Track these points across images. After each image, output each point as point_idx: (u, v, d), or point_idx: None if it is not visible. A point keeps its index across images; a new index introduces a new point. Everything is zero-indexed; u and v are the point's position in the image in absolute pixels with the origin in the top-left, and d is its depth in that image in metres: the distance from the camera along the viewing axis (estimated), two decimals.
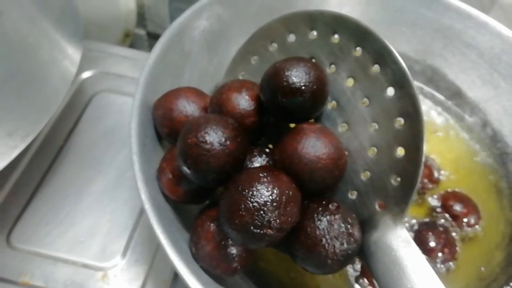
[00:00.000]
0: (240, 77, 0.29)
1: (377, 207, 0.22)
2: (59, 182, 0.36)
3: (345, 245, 0.20)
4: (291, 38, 0.27)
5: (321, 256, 0.20)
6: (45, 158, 0.37)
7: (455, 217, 0.32)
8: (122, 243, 0.33)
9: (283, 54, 0.27)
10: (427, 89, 0.39)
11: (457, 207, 0.32)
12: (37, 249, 0.32)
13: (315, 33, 0.26)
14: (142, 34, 0.61)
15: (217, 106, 0.24)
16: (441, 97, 0.38)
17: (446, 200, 0.32)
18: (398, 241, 0.20)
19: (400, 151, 0.22)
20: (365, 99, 0.24)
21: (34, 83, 0.28)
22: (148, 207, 0.21)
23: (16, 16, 0.24)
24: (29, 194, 0.35)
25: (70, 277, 0.31)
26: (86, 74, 0.44)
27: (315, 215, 0.21)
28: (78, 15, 0.33)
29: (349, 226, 0.21)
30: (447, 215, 0.32)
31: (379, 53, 0.23)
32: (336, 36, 0.25)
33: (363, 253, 0.22)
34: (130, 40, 0.58)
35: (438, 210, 0.32)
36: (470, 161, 0.35)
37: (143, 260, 0.32)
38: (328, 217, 0.21)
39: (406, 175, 0.21)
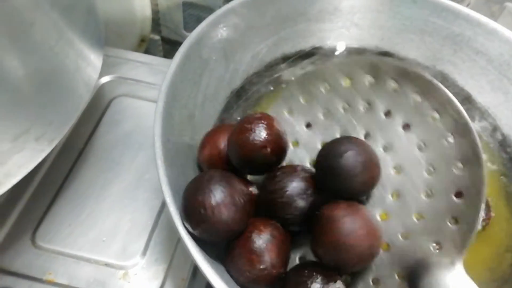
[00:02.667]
0: (286, 113, 0.31)
1: (431, 248, 0.23)
2: (80, 184, 0.38)
3: None
4: (347, 82, 0.29)
5: None
6: (67, 161, 0.39)
7: None
8: (141, 243, 0.34)
9: (336, 96, 0.29)
10: None
11: None
12: (61, 248, 0.34)
13: (372, 79, 0.27)
14: (157, 39, 0.63)
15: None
16: None
17: None
18: (456, 281, 0.21)
19: (459, 195, 0.23)
20: (421, 144, 0.25)
21: (61, 91, 0.29)
22: (173, 209, 0.22)
23: (45, 26, 0.26)
24: (51, 195, 0.36)
25: (92, 275, 0.32)
26: (104, 79, 0.46)
27: None
28: (100, 24, 0.35)
29: None
30: None
31: (441, 102, 0.24)
32: (396, 84, 0.26)
33: None
34: (145, 45, 0.59)
35: None
36: None
37: (162, 259, 0.34)
38: None
39: (465, 218, 0.22)
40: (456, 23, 0.37)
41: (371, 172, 0.25)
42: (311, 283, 0.22)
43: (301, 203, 0.25)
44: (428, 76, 0.26)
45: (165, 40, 0.62)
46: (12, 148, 0.26)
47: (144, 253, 0.34)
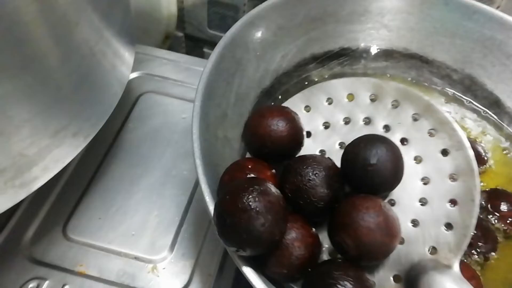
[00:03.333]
0: None
1: (427, 253, 0.24)
2: (109, 179, 0.38)
3: None
4: (349, 98, 0.31)
5: None
6: (96, 156, 0.40)
7: (502, 217, 0.32)
8: (169, 238, 0.35)
9: (338, 111, 0.31)
10: (464, 97, 0.40)
11: (504, 206, 0.32)
12: (91, 241, 0.34)
13: (374, 97, 0.30)
14: (180, 36, 0.63)
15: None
16: (478, 106, 0.39)
17: (492, 198, 0.33)
18: (452, 283, 0.22)
19: (453, 203, 0.25)
20: (418, 157, 0.27)
21: (98, 88, 0.30)
22: (212, 209, 0.22)
23: (87, 27, 0.26)
24: (82, 189, 0.37)
25: (122, 268, 0.33)
26: (132, 76, 0.46)
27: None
28: (133, 23, 0.35)
29: None
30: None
31: (438, 121, 0.27)
32: (395, 103, 0.29)
33: None
34: (169, 42, 0.60)
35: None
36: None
37: (189, 254, 0.34)
38: None
39: (460, 224, 0.24)
40: (488, 26, 0.37)
41: (398, 175, 0.26)
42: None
43: (326, 190, 0.25)
44: (426, 97, 0.28)
45: (188, 37, 0.63)
46: (52, 143, 0.27)
47: (172, 248, 0.34)
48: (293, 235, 0.24)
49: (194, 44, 0.64)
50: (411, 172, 0.27)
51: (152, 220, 0.36)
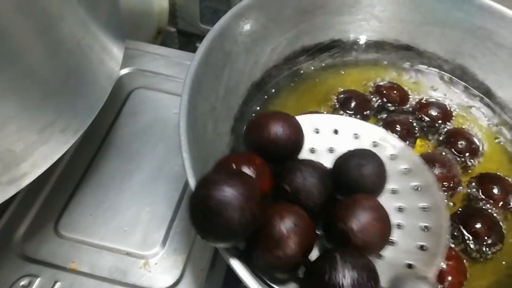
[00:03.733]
0: None
1: (405, 267, 0.26)
2: (101, 175, 0.38)
3: None
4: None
5: None
6: (87, 152, 0.39)
7: (495, 201, 0.32)
8: (161, 233, 0.35)
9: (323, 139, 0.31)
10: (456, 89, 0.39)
11: (496, 190, 0.32)
12: (83, 237, 0.34)
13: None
14: (173, 31, 0.63)
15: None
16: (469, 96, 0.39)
17: (483, 183, 0.33)
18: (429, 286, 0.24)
19: (425, 227, 0.27)
20: (395, 190, 0.29)
21: (86, 83, 0.30)
22: None
23: (72, 21, 0.26)
24: (73, 186, 0.37)
25: (114, 264, 0.33)
26: (123, 71, 0.46)
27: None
28: (122, 18, 0.35)
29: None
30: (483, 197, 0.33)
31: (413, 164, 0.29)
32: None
33: None
34: (161, 37, 0.60)
35: (475, 193, 0.33)
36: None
37: (181, 249, 0.34)
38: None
39: (432, 244, 0.26)
40: (478, 15, 0.36)
41: (382, 180, 0.28)
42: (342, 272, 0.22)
43: (322, 192, 0.26)
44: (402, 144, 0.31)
45: (181, 32, 0.63)
46: (39, 139, 0.27)
47: (164, 243, 0.34)
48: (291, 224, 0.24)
49: (187, 39, 0.64)
50: (389, 202, 0.29)
51: (144, 215, 0.36)
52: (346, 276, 0.22)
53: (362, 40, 0.39)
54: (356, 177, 0.27)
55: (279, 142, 0.27)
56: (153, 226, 0.35)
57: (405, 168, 0.30)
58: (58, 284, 0.31)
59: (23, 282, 0.31)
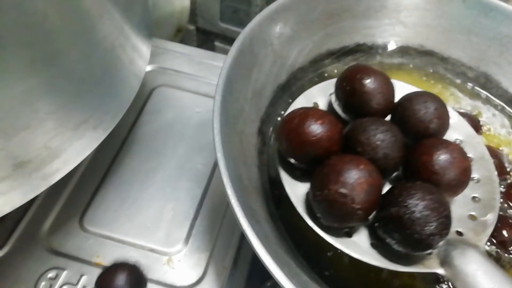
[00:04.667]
0: None
1: (455, 234, 0.26)
2: (124, 172, 0.39)
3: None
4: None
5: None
6: (111, 149, 0.40)
7: None
8: (184, 231, 0.35)
9: None
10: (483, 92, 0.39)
11: None
12: (107, 233, 0.35)
13: None
14: (192, 29, 0.63)
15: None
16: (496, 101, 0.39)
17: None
18: (476, 257, 0.24)
19: (477, 198, 0.28)
20: None
21: (117, 82, 0.30)
22: (234, 201, 0.22)
23: (109, 21, 0.26)
24: (97, 182, 0.38)
25: (138, 260, 0.33)
26: (146, 69, 0.46)
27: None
28: (150, 17, 0.35)
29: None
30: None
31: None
32: None
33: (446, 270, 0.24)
34: (181, 35, 0.60)
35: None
36: None
37: (204, 247, 0.35)
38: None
39: (483, 214, 0.27)
40: (505, 23, 0.36)
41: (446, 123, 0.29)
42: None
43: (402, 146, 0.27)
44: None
45: (200, 30, 0.63)
46: (73, 136, 0.27)
47: (186, 240, 0.35)
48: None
49: (205, 37, 0.64)
50: None
51: (167, 212, 0.36)
52: (420, 204, 0.22)
53: (387, 44, 0.39)
54: (424, 118, 0.27)
55: (372, 94, 0.28)
56: (176, 223, 0.36)
57: (458, 139, 0.30)
58: (84, 277, 0.32)
59: (50, 274, 0.32)
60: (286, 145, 0.27)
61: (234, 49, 0.29)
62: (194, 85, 0.46)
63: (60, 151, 0.27)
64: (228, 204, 0.35)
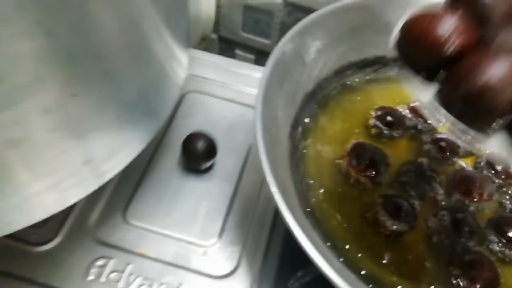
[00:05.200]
0: None
1: None
2: (160, 170, 0.42)
3: None
4: None
5: None
6: (147, 150, 0.43)
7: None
8: (218, 226, 0.39)
9: None
10: None
11: None
12: (148, 226, 0.38)
13: None
14: (214, 38, 0.67)
15: None
16: None
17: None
18: None
19: None
20: None
21: (163, 91, 0.33)
22: (278, 197, 0.26)
23: (159, 40, 0.30)
24: (137, 179, 0.41)
25: (177, 251, 0.37)
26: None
27: None
28: (189, 27, 0.39)
29: None
30: None
31: None
32: None
33: None
34: (205, 44, 0.63)
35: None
36: None
37: (236, 241, 0.38)
38: None
39: None
40: None
41: None
42: None
43: None
44: None
45: (222, 39, 0.67)
46: (130, 137, 0.30)
47: (220, 235, 0.38)
48: None
49: (227, 46, 0.68)
50: None
51: (201, 209, 0.40)
52: None
53: None
54: None
55: None
56: (210, 218, 0.39)
57: None
58: (129, 266, 0.35)
59: (99, 263, 0.35)
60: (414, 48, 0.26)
61: (271, 61, 0.33)
62: (221, 91, 0.50)
63: (117, 151, 0.30)
64: (257, 202, 0.39)
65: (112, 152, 0.30)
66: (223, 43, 0.67)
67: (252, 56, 0.67)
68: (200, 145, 0.40)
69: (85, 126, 0.26)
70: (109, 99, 0.27)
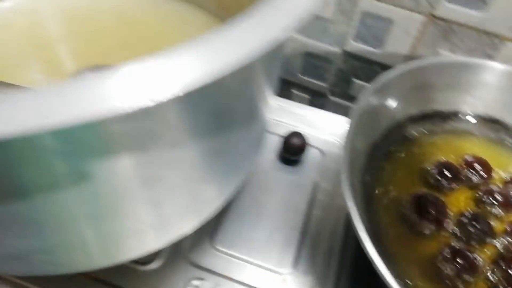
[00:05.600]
0: None
1: None
2: (239, 205, 0.48)
3: None
4: None
5: None
6: None
7: None
8: (292, 256, 0.44)
9: None
10: None
11: None
12: (232, 252, 0.44)
13: None
14: None
15: None
16: None
17: None
18: None
19: None
20: None
21: (259, 139, 0.40)
22: (363, 234, 0.31)
23: (254, 94, 0.36)
24: (220, 211, 0.47)
25: (260, 277, 0.42)
26: None
27: None
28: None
29: None
30: None
31: None
32: None
33: None
34: None
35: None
36: None
37: (309, 271, 0.43)
38: None
39: None
40: None
41: None
42: None
43: None
44: None
45: (281, 80, 0.73)
46: (227, 183, 0.36)
47: (295, 264, 0.44)
48: None
49: (284, 86, 0.74)
50: None
51: (278, 239, 0.45)
52: None
53: (460, 113, 0.48)
54: None
55: None
56: (285, 248, 0.45)
57: None
58: None
59: (196, 283, 0.41)
60: None
61: (355, 115, 0.39)
62: (278, 129, 0.56)
63: (218, 194, 0.36)
64: (326, 236, 0.44)
65: (213, 195, 0.35)
66: (282, 84, 0.73)
67: (307, 96, 0.73)
68: None
69: (195, 178, 0.32)
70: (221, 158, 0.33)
